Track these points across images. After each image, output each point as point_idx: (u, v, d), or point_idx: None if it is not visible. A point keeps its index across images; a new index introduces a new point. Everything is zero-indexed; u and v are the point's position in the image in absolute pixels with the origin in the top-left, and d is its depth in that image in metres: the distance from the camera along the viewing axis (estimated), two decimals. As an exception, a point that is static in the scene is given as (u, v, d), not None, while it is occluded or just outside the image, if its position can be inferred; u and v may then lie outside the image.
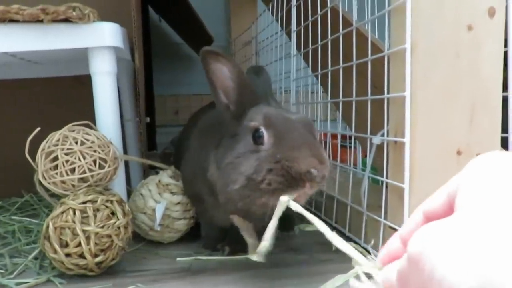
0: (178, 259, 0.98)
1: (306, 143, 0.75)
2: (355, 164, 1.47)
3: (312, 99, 1.60)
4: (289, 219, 1.23)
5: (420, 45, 0.86)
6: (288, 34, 1.62)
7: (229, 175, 0.80)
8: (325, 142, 1.44)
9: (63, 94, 1.57)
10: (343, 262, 0.95)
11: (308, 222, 1.25)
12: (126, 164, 1.24)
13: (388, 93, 0.94)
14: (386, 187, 0.95)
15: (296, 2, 1.51)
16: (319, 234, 1.14)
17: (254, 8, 2.48)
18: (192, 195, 1.07)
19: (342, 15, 1.18)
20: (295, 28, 1.53)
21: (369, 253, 0.96)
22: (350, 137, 1.47)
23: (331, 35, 1.22)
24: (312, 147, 0.75)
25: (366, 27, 1.12)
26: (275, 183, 0.73)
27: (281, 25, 1.71)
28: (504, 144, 0.93)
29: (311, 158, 0.73)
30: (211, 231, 1.09)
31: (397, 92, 0.89)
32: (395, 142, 0.90)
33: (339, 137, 1.28)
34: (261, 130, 0.78)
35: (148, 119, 1.55)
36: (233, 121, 0.85)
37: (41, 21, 0.96)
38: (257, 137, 0.78)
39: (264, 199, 0.75)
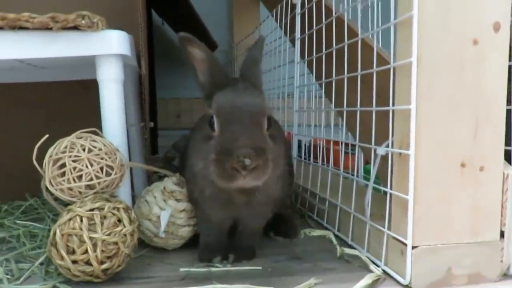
0: (181, 269, 0.99)
1: (245, 134, 0.85)
2: (356, 171, 1.48)
3: (316, 105, 1.61)
4: (293, 227, 1.25)
5: (426, 58, 0.87)
6: (292, 41, 1.63)
7: (192, 157, 0.99)
8: (328, 149, 1.45)
9: (67, 98, 1.58)
10: (347, 271, 0.97)
11: (313, 228, 1.27)
12: (130, 169, 1.25)
13: (393, 104, 0.95)
14: (390, 197, 0.96)
15: (301, 10, 1.52)
16: (323, 242, 1.16)
17: (257, 13, 2.49)
18: (189, 196, 1.08)
19: (348, 24, 1.19)
20: (299, 36, 1.54)
21: (372, 262, 0.98)
22: (352, 144, 1.48)
23: (336, 44, 1.23)
24: (249, 138, 0.85)
25: (370, 36, 1.14)
26: (214, 174, 0.86)
27: (285, 32, 1.72)
28: (508, 157, 0.94)
29: (245, 149, 0.82)
30: (209, 239, 1.09)
31: (402, 104, 0.90)
32: (400, 153, 0.91)
33: (342, 145, 1.29)
34: (213, 118, 0.91)
35: (152, 124, 1.56)
36: (206, 101, 0.97)
37: (51, 28, 0.97)
38: (211, 124, 0.91)
39: (209, 187, 0.95)
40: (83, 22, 0.96)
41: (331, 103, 1.40)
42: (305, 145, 1.67)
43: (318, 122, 1.56)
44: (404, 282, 0.88)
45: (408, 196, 0.87)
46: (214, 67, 0.97)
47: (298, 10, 1.54)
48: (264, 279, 0.94)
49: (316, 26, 1.38)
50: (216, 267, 1.01)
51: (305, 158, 1.59)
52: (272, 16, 1.88)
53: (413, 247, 0.87)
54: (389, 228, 0.95)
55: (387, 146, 0.97)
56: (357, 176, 1.34)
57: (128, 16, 1.37)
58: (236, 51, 2.49)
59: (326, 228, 1.27)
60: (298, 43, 1.56)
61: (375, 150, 1.00)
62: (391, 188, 0.95)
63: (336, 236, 1.19)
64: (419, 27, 0.86)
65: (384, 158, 0.99)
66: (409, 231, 0.87)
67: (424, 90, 0.87)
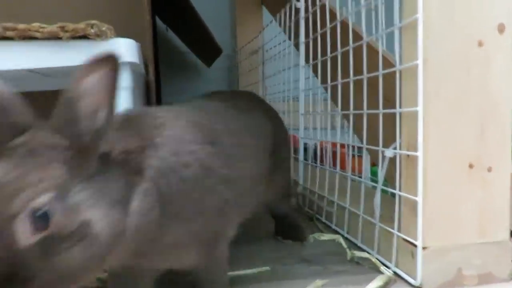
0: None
1: None
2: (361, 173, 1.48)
3: (321, 108, 1.62)
4: (300, 229, 1.25)
5: (432, 60, 0.88)
6: (296, 46, 1.64)
7: None
8: (334, 152, 1.46)
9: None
10: (357, 273, 0.98)
11: (321, 230, 1.27)
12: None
13: (399, 106, 0.96)
14: (399, 199, 0.96)
15: (305, 14, 1.53)
16: (332, 244, 1.17)
17: (260, 17, 2.50)
18: None
19: (352, 28, 1.20)
20: (303, 40, 1.55)
21: (382, 264, 0.98)
22: (359, 147, 1.49)
23: (341, 48, 1.24)
24: None
25: (375, 39, 1.15)
26: None
27: (289, 36, 1.73)
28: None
29: None
30: None
31: (409, 106, 0.91)
32: (408, 155, 0.92)
33: (349, 148, 1.30)
34: None
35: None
36: None
37: (60, 38, 0.98)
38: None
39: None
40: (92, 31, 0.97)
41: (337, 106, 1.40)
42: (311, 148, 1.68)
43: (323, 125, 1.57)
44: (415, 283, 0.88)
45: (417, 198, 0.88)
46: (9, 114, 0.58)
47: (302, 14, 1.55)
48: (274, 282, 0.94)
49: (320, 30, 1.39)
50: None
51: (312, 161, 1.59)
52: (276, 20, 1.89)
53: (423, 248, 0.88)
54: (398, 230, 0.96)
55: (395, 148, 0.98)
56: (365, 177, 1.35)
57: (135, 23, 1.38)
58: (239, 56, 2.50)
59: (334, 231, 1.28)
60: (302, 47, 1.57)
61: (383, 152, 1.01)
62: (399, 190, 0.95)
63: (345, 239, 1.19)
64: (425, 30, 0.87)
65: (391, 160, 1.00)
66: (418, 232, 0.88)
67: (430, 91, 0.88)
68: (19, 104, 0.60)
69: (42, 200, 0.52)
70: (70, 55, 1.01)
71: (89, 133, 0.57)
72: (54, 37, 0.98)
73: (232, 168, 0.80)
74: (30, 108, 0.61)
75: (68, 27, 0.96)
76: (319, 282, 0.91)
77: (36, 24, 0.95)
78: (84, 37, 1.00)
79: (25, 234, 0.51)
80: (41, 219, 0.52)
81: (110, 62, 0.57)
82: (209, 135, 0.78)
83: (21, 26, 0.95)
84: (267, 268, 1.01)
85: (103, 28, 1.00)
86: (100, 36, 0.99)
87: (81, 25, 0.97)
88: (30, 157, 0.55)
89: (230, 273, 1.00)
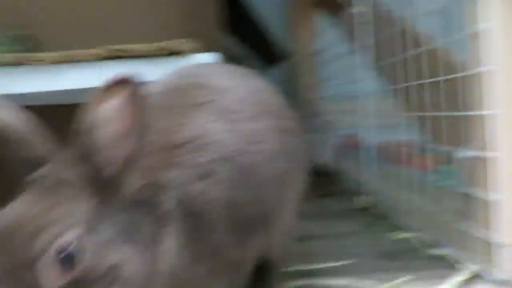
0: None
1: None
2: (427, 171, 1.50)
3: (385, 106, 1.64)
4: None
5: (507, 66, 0.91)
6: (357, 49, 1.69)
7: None
8: (400, 151, 1.48)
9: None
10: (437, 269, 1.02)
11: (396, 229, 1.30)
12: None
13: (475, 109, 0.99)
14: (477, 198, 1.00)
15: (362, 19, 1.57)
16: (409, 242, 1.20)
17: (315, 20, 2.53)
18: None
19: (417, 33, 1.24)
20: (363, 44, 1.60)
21: (461, 262, 1.02)
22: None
23: (405, 52, 1.28)
24: None
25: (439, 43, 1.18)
26: None
27: (348, 40, 1.77)
28: None
29: None
30: None
31: (487, 110, 0.95)
32: (486, 156, 0.95)
33: (425, 150, 1.33)
34: None
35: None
36: None
37: (157, 55, 1.09)
38: None
39: None
40: (184, 48, 1.08)
41: (404, 108, 1.43)
42: (376, 148, 1.71)
43: (388, 124, 1.60)
44: (500, 278, 0.92)
45: (498, 197, 0.91)
46: (26, 147, 0.55)
47: (359, 19, 1.59)
48: (359, 275, 1.01)
49: (380, 35, 1.43)
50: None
51: (378, 161, 1.62)
52: (333, 24, 1.94)
53: (506, 245, 0.91)
54: (477, 228, 0.99)
55: (471, 149, 1.01)
56: (437, 177, 1.37)
57: (207, 34, 1.48)
58: (297, 58, 2.54)
59: (411, 228, 1.30)
60: (367, 50, 1.61)
61: (460, 153, 1.04)
62: (479, 190, 0.99)
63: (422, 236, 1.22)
64: (502, 36, 0.91)
65: (468, 160, 1.03)
66: (501, 230, 0.91)
67: (508, 95, 0.92)
68: (36, 135, 0.55)
69: (69, 237, 0.48)
70: (160, 71, 1.10)
71: (115, 162, 0.52)
72: (151, 55, 1.09)
73: (254, 187, 0.69)
74: (49, 137, 0.56)
75: (165, 46, 1.07)
76: (407, 277, 0.96)
77: (138, 45, 1.06)
78: (172, 53, 1.11)
79: (49, 278, 0.46)
80: (68, 259, 0.47)
81: (128, 85, 0.51)
82: (224, 155, 0.66)
83: (116, 47, 1.07)
84: (351, 261, 1.07)
85: (192, 45, 1.10)
86: (191, 52, 1.09)
87: (175, 44, 1.07)
88: (54, 190, 0.51)
89: (315, 266, 1.07)
